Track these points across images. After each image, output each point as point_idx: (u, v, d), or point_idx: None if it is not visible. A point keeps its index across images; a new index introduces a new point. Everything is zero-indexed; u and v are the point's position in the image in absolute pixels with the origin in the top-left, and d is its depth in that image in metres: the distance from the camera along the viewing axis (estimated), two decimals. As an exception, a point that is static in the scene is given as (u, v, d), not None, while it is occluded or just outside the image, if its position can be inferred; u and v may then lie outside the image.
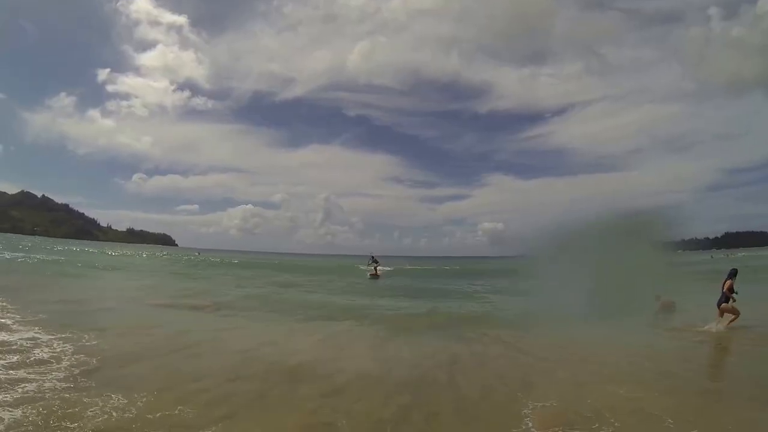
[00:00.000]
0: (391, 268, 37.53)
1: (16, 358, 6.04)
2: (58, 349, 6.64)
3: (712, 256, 46.94)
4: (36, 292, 13.41)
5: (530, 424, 4.30)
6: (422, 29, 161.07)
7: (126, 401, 4.65)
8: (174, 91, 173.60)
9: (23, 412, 4.18)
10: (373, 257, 31.21)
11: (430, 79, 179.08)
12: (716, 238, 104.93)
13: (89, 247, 54.57)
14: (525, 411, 4.64)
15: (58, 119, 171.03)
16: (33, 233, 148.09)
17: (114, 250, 54.14)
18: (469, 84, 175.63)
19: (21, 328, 7.92)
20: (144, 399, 4.75)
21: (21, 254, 34.03)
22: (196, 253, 76.96)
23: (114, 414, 4.33)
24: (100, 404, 4.52)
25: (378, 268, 29.78)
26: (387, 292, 20.21)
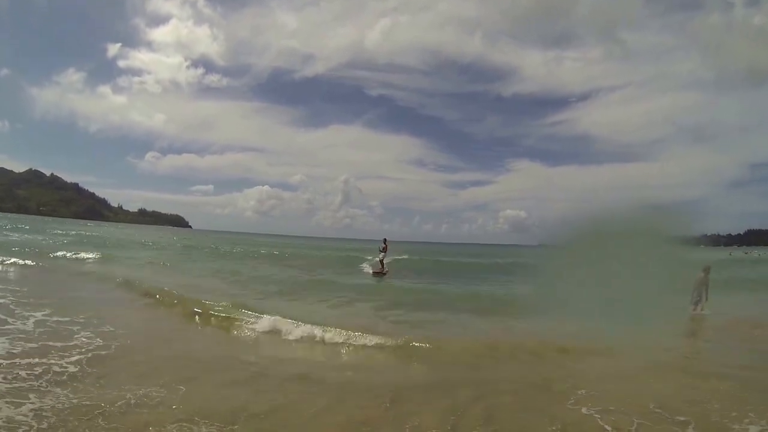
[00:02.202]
0: (405, 257, 27.54)
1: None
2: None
3: (731, 254, 46.07)
4: None
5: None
6: (446, 9, 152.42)
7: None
8: (188, 67, 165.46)
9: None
10: (384, 242, 19.39)
11: (452, 60, 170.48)
12: (739, 235, 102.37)
13: (87, 231, 44.80)
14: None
15: (68, 95, 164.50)
16: (39, 213, 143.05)
17: (112, 234, 44.52)
18: (492, 66, 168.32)
19: None
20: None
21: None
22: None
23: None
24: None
25: (385, 260, 19.38)
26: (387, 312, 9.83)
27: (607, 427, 3.80)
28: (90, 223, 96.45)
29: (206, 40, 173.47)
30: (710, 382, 5.10)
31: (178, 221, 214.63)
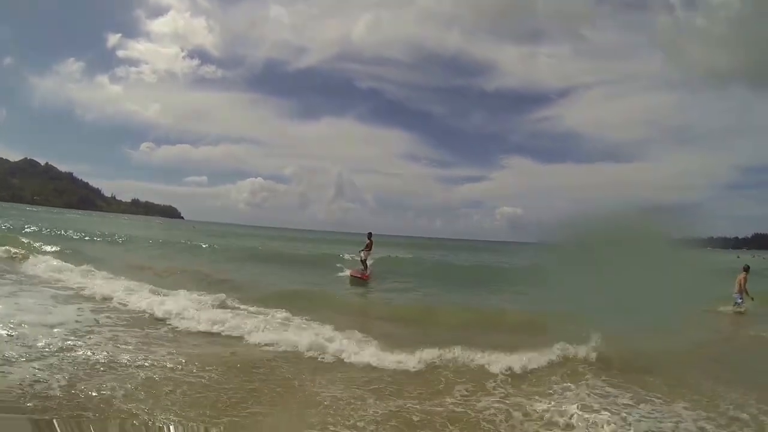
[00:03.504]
0: (391, 254, 22.24)
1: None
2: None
3: (738, 256, 45.03)
4: None
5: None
6: (425, 4, 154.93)
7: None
8: (184, 58, 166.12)
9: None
10: (369, 237, 15.40)
11: (435, 54, 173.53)
12: (746, 238, 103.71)
13: (65, 223, 45.52)
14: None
15: (67, 84, 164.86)
16: (32, 202, 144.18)
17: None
18: (472, 60, 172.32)
19: None
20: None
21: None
22: (192, 227, 73.47)
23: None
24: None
25: (368, 260, 15.35)
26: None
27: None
28: (80, 213, 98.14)
29: (202, 32, 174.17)
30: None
31: (171, 212, 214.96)
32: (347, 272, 15.15)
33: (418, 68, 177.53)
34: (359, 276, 14.30)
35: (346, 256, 20.04)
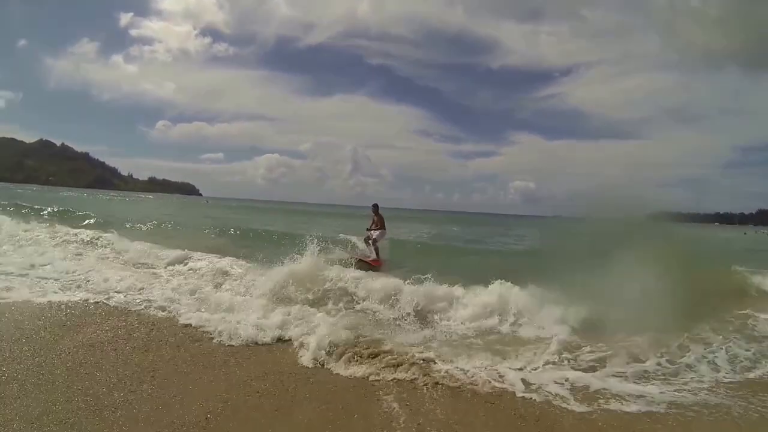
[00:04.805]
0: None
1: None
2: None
3: (745, 233, 45.27)
4: None
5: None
6: None
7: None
8: (196, 36, 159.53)
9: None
10: (375, 211, 10.65)
11: (440, 31, 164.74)
12: (751, 214, 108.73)
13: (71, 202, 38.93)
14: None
15: (82, 65, 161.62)
16: (48, 183, 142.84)
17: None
18: (476, 37, 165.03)
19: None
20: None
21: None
22: (205, 201, 73.54)
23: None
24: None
25: (378, 241, 10.43)
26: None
27: None
28: (101, 192, 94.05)
29: (212, 9, 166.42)
30: None
31: (188, 189, 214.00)
32: (354, 257, 9.82)
33: (424, 45, 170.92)
34: (368, 261, 9.95)
35: (353, 239, 13.69)
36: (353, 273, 7.38)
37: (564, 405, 3.58)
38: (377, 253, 10.25)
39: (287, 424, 3.21)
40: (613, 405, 3.59)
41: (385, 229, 10.49)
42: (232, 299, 6.22)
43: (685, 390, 3.90)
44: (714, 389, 3.93)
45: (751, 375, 4.29)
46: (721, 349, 4.83)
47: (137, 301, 6.17)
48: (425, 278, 6.69)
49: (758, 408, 3.58)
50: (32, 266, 7.79)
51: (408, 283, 6.54)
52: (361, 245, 11.12)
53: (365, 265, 9.64)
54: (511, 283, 6.39)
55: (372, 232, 10.50)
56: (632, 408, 3.53)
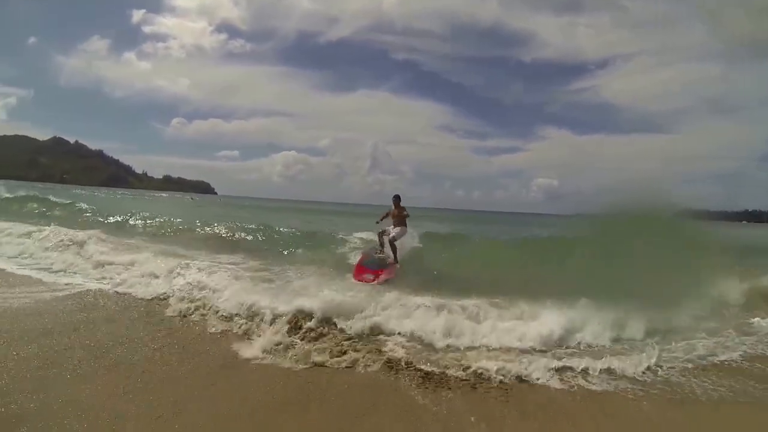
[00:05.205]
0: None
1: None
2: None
3: None
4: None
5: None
6: None
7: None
8: (212, 32, 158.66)
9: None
10: (396, 203, 8.50)
11: (470, 25, 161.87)
12: None
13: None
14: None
15: (94, 62, 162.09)
16: (62, 181, 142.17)
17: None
18: (510, 31, 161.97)
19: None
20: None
21: None
22: (189, 198, 67.96)
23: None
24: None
25: (397, 239, 8.14)
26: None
27: None
28: (120, 191, 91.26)
29: (228, 5, 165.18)
30: None
31: (203, 188, 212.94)
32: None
33: (453, 39, 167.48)
34: (372, 277, 6.95)
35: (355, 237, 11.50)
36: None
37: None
38: (395, 254, 8.25)
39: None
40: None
41: (406, 225, 8.67)
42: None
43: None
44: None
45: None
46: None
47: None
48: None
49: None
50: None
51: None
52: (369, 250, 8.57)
53: (377, 273, 7.00)
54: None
55: (390, 228, 8.60)
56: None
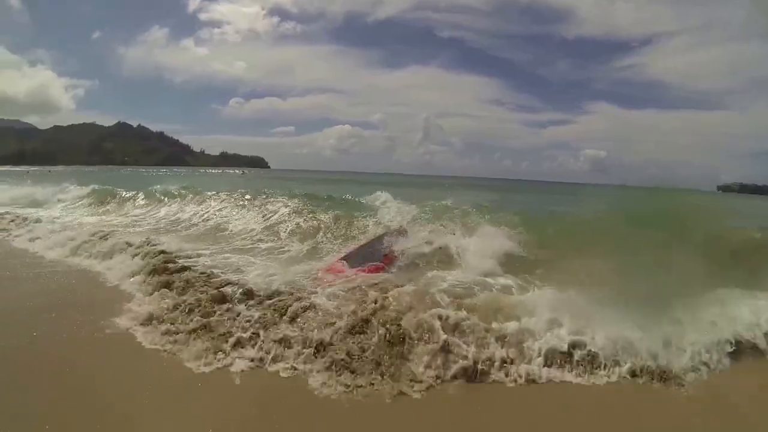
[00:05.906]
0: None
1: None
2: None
3: None
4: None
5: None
6: None
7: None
8: (264, 16, 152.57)
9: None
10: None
11: (509, 1, 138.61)
12: None
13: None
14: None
15: (153, 51, 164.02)
16: (123, 163, 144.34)
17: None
18: (550, 6, 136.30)
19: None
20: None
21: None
22: (240, 172, 67.91)
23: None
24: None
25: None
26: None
27: None
28: (179, 169, 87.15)
29: None
30: None
31: (257, 162, 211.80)
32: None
33: (495, 15, 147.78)
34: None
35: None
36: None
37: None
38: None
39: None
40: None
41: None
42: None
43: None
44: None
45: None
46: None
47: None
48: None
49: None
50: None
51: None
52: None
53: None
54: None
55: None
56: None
